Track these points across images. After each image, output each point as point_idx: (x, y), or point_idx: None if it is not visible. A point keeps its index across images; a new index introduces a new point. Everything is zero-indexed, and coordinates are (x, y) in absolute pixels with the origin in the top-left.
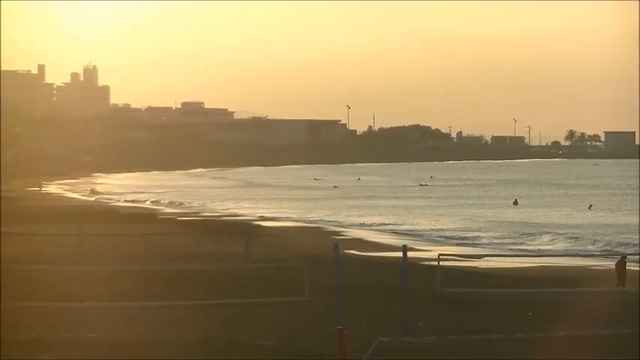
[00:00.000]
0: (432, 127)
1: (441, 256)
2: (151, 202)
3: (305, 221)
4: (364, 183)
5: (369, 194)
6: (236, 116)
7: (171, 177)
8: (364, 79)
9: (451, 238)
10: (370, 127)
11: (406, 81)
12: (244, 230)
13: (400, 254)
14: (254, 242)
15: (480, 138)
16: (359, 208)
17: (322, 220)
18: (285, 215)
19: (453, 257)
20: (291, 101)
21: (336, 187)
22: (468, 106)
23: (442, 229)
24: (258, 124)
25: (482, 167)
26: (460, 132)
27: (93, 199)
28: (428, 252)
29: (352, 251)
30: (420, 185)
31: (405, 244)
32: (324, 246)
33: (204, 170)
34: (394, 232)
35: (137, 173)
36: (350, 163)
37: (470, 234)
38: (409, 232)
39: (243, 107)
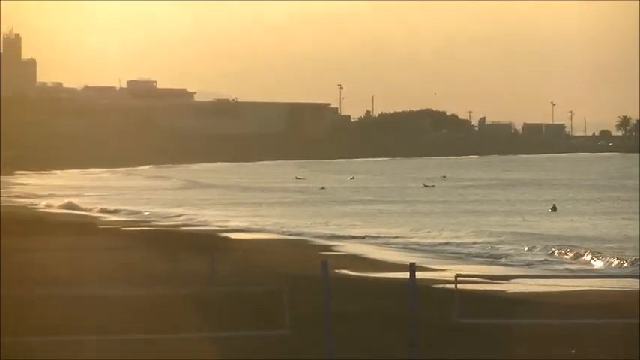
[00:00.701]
0: (447, 113)
1: (458, 277)
2: (88, 208)
3: (285, 232)
4: (359, 183)
5: (366, 198)
6: (197, 98)
7: (114, 176)
8: (360, 49)
9: (471, 254)
10: (368, 112)
11: (413, 53)
12: (208, 244)
13: (406, 274)
14: (221, 259)
15: (508, 126)
16: (353, 215)
17: (306, 232)
18: (259, 225)
19: (474, 278)
20: (266, 79)
21: (323, 188)
22: (492, 85)
23: (459, 243)
24: (225, 108)
25: (511, 164)
26: (483, 118)
27: (18, 205)
28: (441, 272)
29: (345, 271)
30: (425, 187)
31: (413, 261)
32: (310, 264)
33: (156, 167)
34: (398, 247)
35: (71, 171)
36: (342, 158)
37: (494, 249)
38: (417, 247)
39: (206, 87)
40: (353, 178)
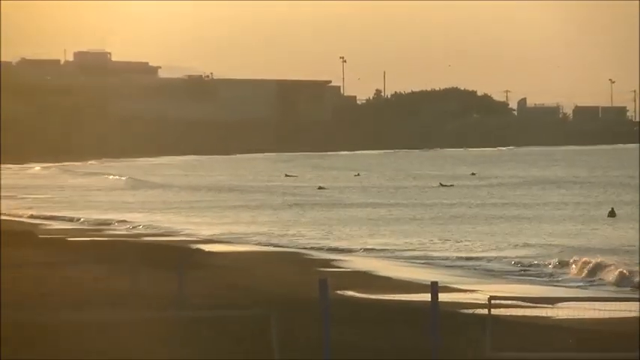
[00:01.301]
0: (479, 93)
1: (492, 300)
2: (25, 212)
3: (273, 244)
4: (366, 182)
5: (374, 200)
6: (162, 74)
7: (46, 172)
8: (367, 13)
9: (505, 271)
10: (379, 92)
11: (434, 17)
12: (177, 258)
13: (427, 296)
14: (192, 277)
15: (555, 109)
16: (358, 222)
17: (300, 243)
18: (240, 234)
19: (511, 302)
20: (250, 51)
21: (321, 188)
22: (534, 58)
23: (490, 257)
24: (197, 87)
25: (558, 157)
26: (523, 100)
27: None
28: (470, 293)
29: (349, 292)
30: (442, 186)
31: (434, 280)
32: (304, 283)
33: (103, 162)
34: (414, 261)
35: (4, 166)
36: (345, 150)
37: (534, 264)
38: (437, 261)
39: (173, 61)
40: (358, 175)
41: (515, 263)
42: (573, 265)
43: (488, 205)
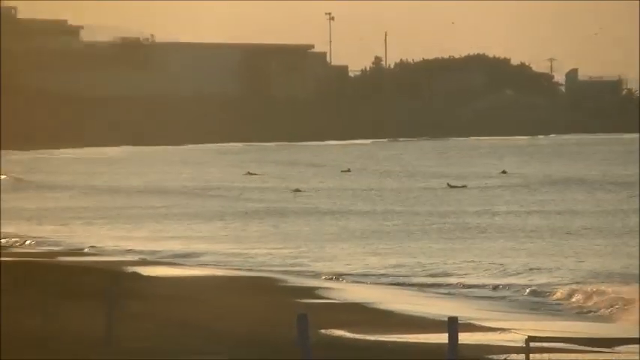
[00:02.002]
0: (513, 62)
1: (531, 342)
2: None
3: (234, 266)
4: (356, 181)
5: (366, 207)
6: (85, 37)
7: None
8: None
9: (535, 302)
10: (378, 60)
11: None
12: (105, 286)
13: (442, 337)
14: (125, 310)
15: (616, 84)
16: (347, 236)
17: (270, 265)
18: (190, 253)
19: (556, 344)
20: (205, 6)
21: (298, 190)
22: (585, 16)
23: (514, 285)
24: (134, 53)
25: (622, 148)
26: (574, 71)
27: None
28: (500, 332)
29: (337, 331)
30: (450, 187)
31: (453, 315)
32: (278, 319)
33: (15, 153)
34: (422, 290)
35: None
36: (332, 139)
37: (578, 296)
38: (451, 289)
39: (101, 19)
40: (348, 171)
41: (546, 293)
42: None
43: (511, 214)
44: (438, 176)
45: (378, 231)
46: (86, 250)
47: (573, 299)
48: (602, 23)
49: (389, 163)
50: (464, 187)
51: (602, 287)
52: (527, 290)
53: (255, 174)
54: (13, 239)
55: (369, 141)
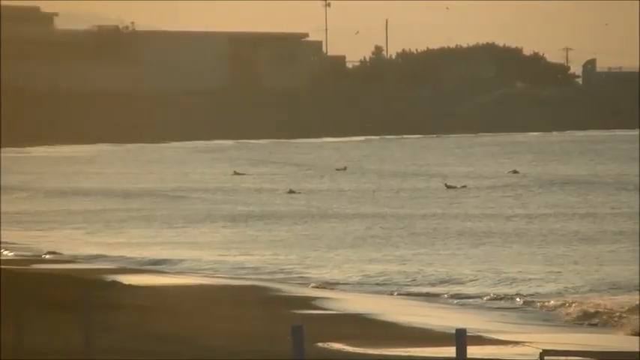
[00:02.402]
0: (525, 52)
1: (545, 355)
2: None
3: (222, 274)
4: (353, 180)
5: (364, 210)
6: (59, 25)
7: None
8: None
9: (559, 316)
10: (379, 49)
11: None
12: (82, 296)
13: (449, 351)
14: (105, 323)
15: (635, 75)
16: (346, 241)
17: (262, 272)
18: (175, 260)
19: (571, 358)
20: None
21: (293, 192)
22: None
23: (522, 293)
24: (113, 42)
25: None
26: (591, 62)
27: None
28: (511, 345)
29: (335, 344)
30: (448, 188)
31: (460, 327)
32: (271, 332)
33: None
34: (427, 301)
35: None
36: (328, 136)
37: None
38: (457, 300)
39: (77, 5)
40: (345, 169)
41: (558, 304)
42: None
43: (522, 217)
44: (443, 175)
45: (377, 236)
46: (48, 257)
47: (587, 311)
48: (619, 12)
49: (388, 162)
50: (464, 187)
51: (620, 297)
52: (538, 301)
53: (240, 174)
54: None
55: (368, 137)
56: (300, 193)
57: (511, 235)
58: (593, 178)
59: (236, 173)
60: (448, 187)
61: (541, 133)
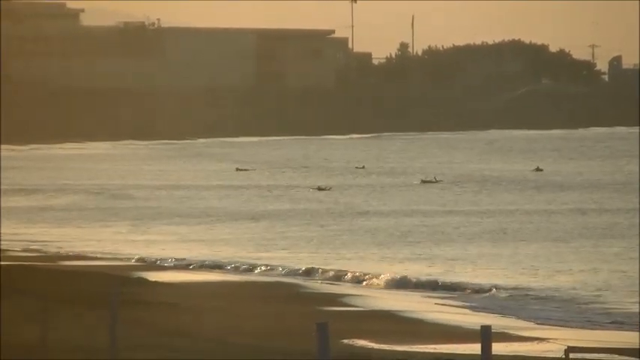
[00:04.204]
0: (551, 48)
1: (571, 352)
2: None
3: (248, 271)
4: (375, 178)
5: (386, 208)
6: (85, 21)
7: None
8: None
9: (584, 312)
10: (404, 46)
11: None
12: (107, 293)
13: (474, 347)
14: (131, 320)
15: None
16: (374, 237)
17: (288, 269)
18: (202, 257)
19: (597, 355)
20: None
21: (321, 189)
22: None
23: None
24: (139, 39)
25: None
26: (618, 58)
27: None
28: (536, 342)
29: (360, 341)
30: (423, 182)
31: (486, 323)
32: (297, 329)
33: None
34: (453, 295)
35: None
36: (352, 132)
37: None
38: (486, 297)
39: (105, 2)
40: (364, 167)
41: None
42: None
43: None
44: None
45: (409, 233)
46: (76, 254)
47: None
48: None
49: (412, 159)
50: (438, 181)
51: None
52: (562, 298)
53: (242, 169)
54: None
55: (394, 134)
56: (329, 189)
57: (539, 232)
58: (619, 176)
59: (238, 169)
60: (424, 181)
61: (567, 130)
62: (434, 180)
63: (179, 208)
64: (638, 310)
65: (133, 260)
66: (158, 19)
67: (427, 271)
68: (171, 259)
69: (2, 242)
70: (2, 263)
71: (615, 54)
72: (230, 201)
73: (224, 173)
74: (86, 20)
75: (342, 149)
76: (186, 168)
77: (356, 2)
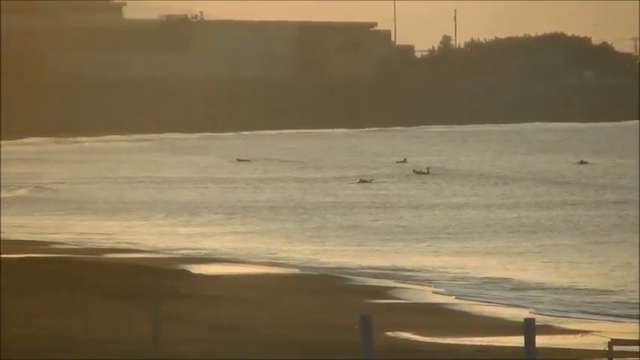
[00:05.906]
0: (594, 41)
1: (614, 345)
2: None
3: (290, 264)
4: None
5: (435, 200)
6: (127, 15)
7: None
8: None
9: (626, 306)
10: (447, 39)
11: None
12: (150, 286)
13: (517, 340)
14: (173, 313)
15: None
16: (421, 232)
17: (332, 262)
18: (243, 250)
19: None
20: None
21: (363, 181)
22: None
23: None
24: (181, 32)
25: None
26: None
27: None
28: (579, 335)
29: (403, 333)
30: (416, 173)
31: (529, 316)
32: (338, 322)
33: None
34: (499, 289)
35: None
36: (398, 124)
37: None
38: (528, 293)
39: None
40: (405, 161)
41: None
42: None
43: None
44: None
45: (459, 228)
46: (118, 246)
47: None
48: None
49: (454, 155)
50: (425, 172)
51: None
52: (604, 290)
53: (243, 160)
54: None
55: (437, 127)
56: (372, 181)
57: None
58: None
59: (239, 160)
60: (416, 172)
61: (604, 123)
62: (425, 171)
63: (226, 200)
64: None
65: (176, 253)
66: (201, 12)
67: (471, 264)
68: (217, 251)
69: (47, 235)
70: (45, 256)
71: None
72: (271, 194)
73: (263, 168)
74: (128, 14)
75: (386, 143)
76: (227, 160)
77: None
